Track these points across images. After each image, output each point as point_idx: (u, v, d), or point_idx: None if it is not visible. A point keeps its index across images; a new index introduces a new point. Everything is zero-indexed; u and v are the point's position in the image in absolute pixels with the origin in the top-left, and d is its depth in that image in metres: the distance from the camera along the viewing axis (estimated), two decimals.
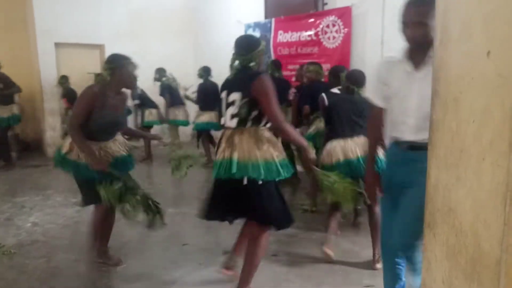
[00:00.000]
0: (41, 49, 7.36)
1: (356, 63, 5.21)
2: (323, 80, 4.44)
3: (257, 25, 6.73)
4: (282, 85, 4.35)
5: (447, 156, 1.31)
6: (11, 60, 7.53)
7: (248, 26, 6.93)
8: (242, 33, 7.08)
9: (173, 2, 8.53)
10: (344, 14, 5.23)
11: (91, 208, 4.45)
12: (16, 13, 7.86)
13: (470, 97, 1.12)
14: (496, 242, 0.97)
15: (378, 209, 2.77)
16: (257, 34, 6.75)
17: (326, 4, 5.58)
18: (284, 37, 6.15)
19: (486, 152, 1.02)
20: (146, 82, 6.10)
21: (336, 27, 5.34)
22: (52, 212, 4.39)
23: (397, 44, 4.81)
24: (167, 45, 8.36)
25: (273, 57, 6.42)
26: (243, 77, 2.42)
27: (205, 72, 6.29)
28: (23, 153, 7.42)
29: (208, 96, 5.92)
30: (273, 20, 6.36)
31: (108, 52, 7.92)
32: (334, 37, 5.37)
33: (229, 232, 3.67)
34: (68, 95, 6.93)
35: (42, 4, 7.27)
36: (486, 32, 1.02)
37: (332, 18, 5.38)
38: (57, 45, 7.51)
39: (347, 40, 5.20)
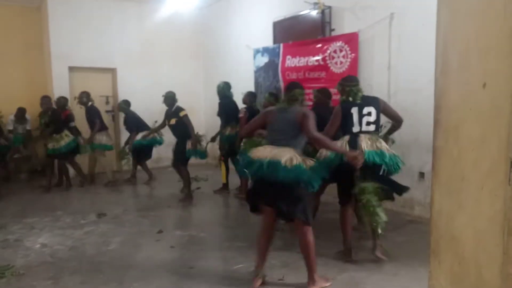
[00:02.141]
0: (55, 73, 7.57)
1: (363, 88, 5.25)
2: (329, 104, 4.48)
3: (265, 50, 6.86)
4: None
5: (449, 183, 1.33)
6: (27, 82, 7.76)
7: (257, 51, 7.07)
8: (250, 57, 7.24)
9: (183, 28, 8.74)
10: (351, 39, 5.32)
11: (100, 229, 4.54)
12: (33, 38, 8.13)
13: (469, 126, 1.15)
14: (497, 271, 0.98)
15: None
16: (265, 59, 6.88)
17: (333, 30, 5.68)
18: (292, 61, 6.25)
19: (484, 181, 1.04)
20: (158, 106, 6.21)
21: (343, 52, 5.42)
22: (61, 234, 4.43)
23: (404, 69, 4.90)
24: (178, 69, 8.54)
25: (281, 81, 6.51)
26: (370, 97, 3.70)
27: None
28: (35, 174, 7.52)
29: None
30: (281, 45, 6.48)
31: (120, 76, 8.19)
32: (341, 62, 5.44)
33: (235, 254, 3.69)
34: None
35: (57, 30, 7.51)
36: (482, 64, 1.05)
37: (339, 43, 5.47)
38: (71, 68, 7.72)
39: (354, 65, 5.27)
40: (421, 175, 4.70)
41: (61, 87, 7.48)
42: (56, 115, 6.32)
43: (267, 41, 6.86)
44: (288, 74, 6.36)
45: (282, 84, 6.51)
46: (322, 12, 5.70)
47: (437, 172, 1.45)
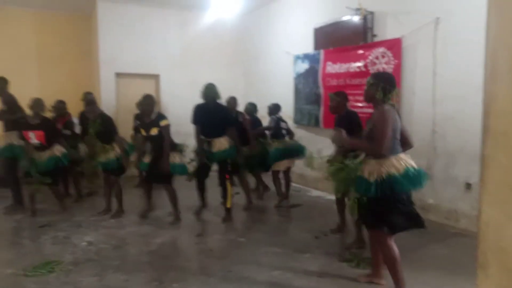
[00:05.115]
0: (103, 78, 7.93)
1: (406, 95, 5.14)
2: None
3: (306, 56, 6.85)
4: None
5: (498, 193, 1.28)
6: (76, 87, 8.15)
7: (297, 57, 7.07)
8: (290, 63, 7.26)
9: (224, 34, 8.90)
10: (394, 45, 5.21)
11: (142, 230, 4.68)
12: (83, 45, 8.64)
13: None
14: None
15: None
16: (305, 65, 6.87)
17: (375, 36, 5.59)
18: (333, 68, 6.21)
19: None
20: None
21: (386, 59, 5.32)
22: (106, 233, 4.61)
23: (450, 75, 4.73)
24: (218, 74, 8.67)
25: (321, 88, 6.48)
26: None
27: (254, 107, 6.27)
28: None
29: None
30: (322, 51, 6.45)
31: (163, 81, 8.46)
32: (383, 69, 5.34)
33: (272, 260, 3.69)
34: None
35: (105, 37, 7.88)
36: None
37: (381, 49, 5.38)
38: (117, 74, 8.05)
39: (397, 71, 5.15)
40: (468, 186, 4.51)
41: (108, 92, 7.83)
42: (109, 123, 5.26)
43: (308, 47, 6.85)
44: (328, 81, 6.32)
45: (322, 91, 6.48)
46: (364, 18, 5.63)
47: (486, 181, 1.40)
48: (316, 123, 6.72)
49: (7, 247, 4.30)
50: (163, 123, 4.81)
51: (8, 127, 5.47)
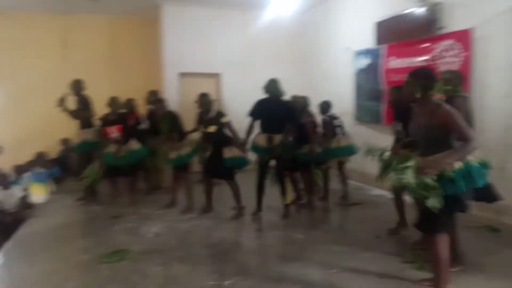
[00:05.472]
0: (167, 78, 8.31)
1: (477, 89, 4.83)
2: None
3: (367, 51, 6.68)
4: None
5: None
6: (142, 88, 8.56)
7: (358, 53, 6.91)
8: (350, 60, 7.11)
9: (283, 32, 8.92)
10: (464, 37, 4.92)
11: (204, 224, 4.85)
12: (149, 48, 9.14)
13: None
14: None
15: None
16: (366, 61, 6.70)
17: (443, 27, 5.31)
18: (396, 63, 5.99)
19: None
20: None
21: (454, 51, 5.03)
22: (170, 225, 4.84)
23: None
24: (278, 72, 8.63)
25: (383, 83, 6.28)
26: None
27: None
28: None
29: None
30: (384, 46, 6.25)
31: (224, 80, 8.67)
32: (452, 62, 5.06)
33: (332, 259, 3.67)
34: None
35: (170, 39, 8.24)
36: None
37: (449, 42, 5.10)
38: (181, 74, 8.39)
39: (466, 64, 4.86)
40: None
41: (171, 91, 8.17)
42: (177, 120, 5.47)
43: (369, 42, 6.67)
44: (390, 76, 6.11)
45: (383, 87, 6.28)
46: (430, 9, 5.37)
47: None
48: (378, 120, 6.53)
49: (84, 236, 4.68)
50: (224, 120, 5.00)
51: (83, 125, 5.92)
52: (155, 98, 5.98)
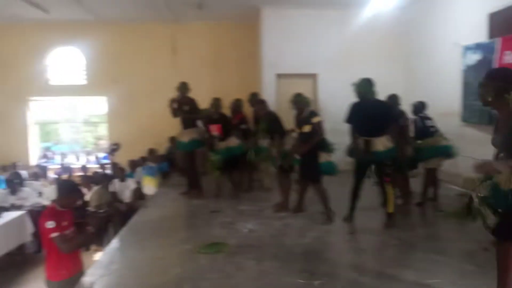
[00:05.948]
0: (265, 79, 8.57)
1: None
2: None
3: (478, 46, 6.12)
4: None
5: None
6: (240, 88, 8.95)
7: (467, 48, 6.37)
8: (458, 56, 6.57)
9: (383, 29, 8.58)
10: None
11: (297, 223, 4.93)
12: (247, 49, 9.59)
13: None
14: None
15: None
16: (477, 56, 6.14)
17: None
18: None
19: None
20: None
21: None
22: (265, 223, 5.00)
23: None
24: (377, 72, 8.29)
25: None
26: None
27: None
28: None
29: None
30: (499, 39, 5.67)
31: (320, 81, 8.65)
32: None
33: (430, 267, 3.47)
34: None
35: (269, 41, 8.50)
36: None
37: None
38: (278, 75, 8.58)
39: None
40: None
41: (269, 92, 8.40)
42: (278, 120, 5.61)
43: (480, 36, 6.10)
44: None
45: None
46: None
47: None
48: (488, 121, 5.94)
49: (186, 227, 5.10)
50: (315, 119, 4.89)
51: (188, 125, 6.40)
52: (256, 100, 6.27)
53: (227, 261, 3.79)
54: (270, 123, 5.48)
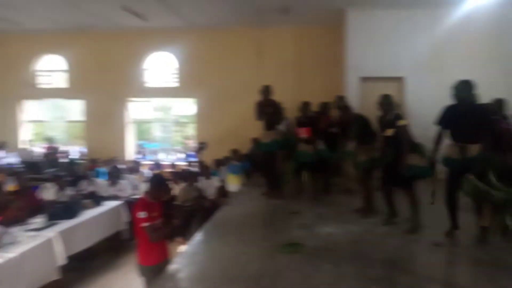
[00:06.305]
0: (348, 83, 8.45)
1: None
2: None
3: None
4: None
5: None
6: (322, 92, 8.95)
7: None
8: None
9: (479, 28, 7.99)
10: None
11: (378, 230, 4.80)
12: (330, 53, 9.56)
13: None
14: None
15: None
16: None
17: None
18: None
19: None
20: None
21: None
22: (344, 227, 4.96)
23: None
24: (473, 74, 7.67)
25: None
26: None
27: None
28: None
29: None
30: None
31: (407, 84, 8.30)
32: None
33: None
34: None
35: (353, 43, 8.38)
36: None
37: None
38: (362, 79, 8.40)
39: None
40: None
41: (352, 96, 8.27)
42: (367, 123, 5.50)
43: None
44: None
45: None
46: None
47: None
48: None
49: (265, 226, 5.25)
50: (400, 123, 4.69)
51: (270, 127, 6.54)
52: (341, 104, 6.32)
53: (305, 262, 3.84)
54: (360, 126, 5.43)
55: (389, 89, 8.33)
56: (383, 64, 8.29)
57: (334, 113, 6.79)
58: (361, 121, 5.51)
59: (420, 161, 4.68)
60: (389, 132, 4.74)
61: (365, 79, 8.41)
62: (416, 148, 4.77)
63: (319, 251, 4.13)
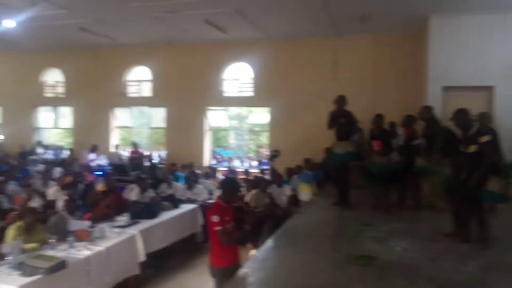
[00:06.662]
0: (429, 93, 8.01)
1: None
2: None
3: None
4: None
5: None
6: (401, 104, 8.56)
7: None
8: None
9: None
10: None
11: (459, 249, 4.48)
12: (410, 61, 9.15)
13: None
14: None
15: None
16: None
17: None
18: None
19: None
20: None
21: None
22: (420, 243, 4.70)
23: None
24: None
25: None
26: None
27: None
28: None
29: None
30: None
31: (498, 94, 7.65)
32: None
33: None
34: None
35: (436, 52, 7.96)
36: None
37: None
38: (445, 88, 7.93)
39: None
40: None
41: (434, 106, 7.81)
42: (453, 138, 5.08)
43: None
44: None
45: None
46: None
47: None
48: None
49: (336, 236, 5.17)
50: (483, 139, 4.30)
51: (342, 137, 6.43)
52: (427, 115, 6.06)
53: (377, 276, 3.71)
54: (446, 141, 5.07)
55: (476, 99, 7.82)
56: (469, 72, 7.75)
57: (419, 126, 6.48)
58: (448, 135, 5.12)
59: (500, 187, 4.29)
60: (472, 148, 4.39)
61: (449, 89, 7.92)
62: (500, 170, 4.35)
63: (393, 266, 3.97)
